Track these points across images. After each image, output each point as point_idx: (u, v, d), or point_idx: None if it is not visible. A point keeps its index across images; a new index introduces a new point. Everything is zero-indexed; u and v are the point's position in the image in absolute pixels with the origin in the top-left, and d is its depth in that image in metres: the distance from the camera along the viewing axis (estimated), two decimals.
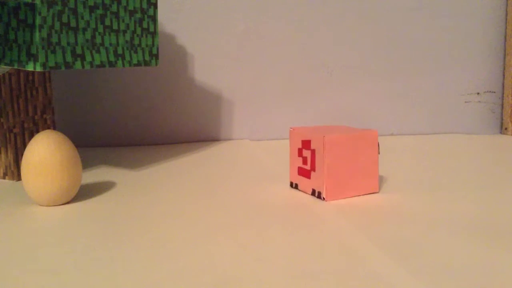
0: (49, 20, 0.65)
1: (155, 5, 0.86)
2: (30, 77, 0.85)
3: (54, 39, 0.66)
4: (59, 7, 0.67)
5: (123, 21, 0.80)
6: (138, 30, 0.83)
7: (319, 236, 0.55)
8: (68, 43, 0.69)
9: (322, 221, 0.60)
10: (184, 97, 1.18)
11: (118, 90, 1.16)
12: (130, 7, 0.81)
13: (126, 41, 0.80)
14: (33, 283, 0.45)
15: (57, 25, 0.67)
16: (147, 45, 0.85)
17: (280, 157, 0.99)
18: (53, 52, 0.66)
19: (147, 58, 0.85)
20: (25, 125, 0.84)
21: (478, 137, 1.19)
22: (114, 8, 0.78)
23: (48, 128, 0.89)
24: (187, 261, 0.49)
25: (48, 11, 0.65)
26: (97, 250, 0.52)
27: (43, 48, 0.64)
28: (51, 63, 0.66)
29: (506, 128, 1.23)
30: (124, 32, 0.80)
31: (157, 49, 0.87)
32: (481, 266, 0.47)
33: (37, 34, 0.63)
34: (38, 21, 0.63)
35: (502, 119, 1.25)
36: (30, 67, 0.64)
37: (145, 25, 0.84)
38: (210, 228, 0.59)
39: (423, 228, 0.57)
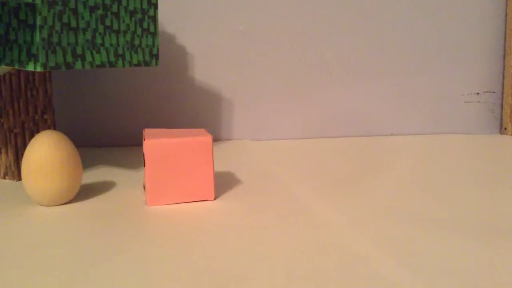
0: (50, 21, 0.65)
1: (156, 6, 0.86)
2: (31, 77, 0.85)
3: (55, 39, 0.66)
4: (59, 7, 0.67)
5: (123, 21, 0.80)
6: (139, 31, 0.83)
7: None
8: (69, 43, 0.69)
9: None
10: (184, 97, 1.18)
11: (118, 90, 1.16)
12: (131, 8, 0.81)
13: (127, 42, 0.80)
14: (33, 283, 0.45)
15: (57, 26, 0.67)
16: (147, 46, 0.85)
17: (279, 158, 0.99)
18: (54, 52, 0.66)
19: (147, 58, 0.86)
20: (26, 125, 0.84)
21: (478, 137, 1.19)
22: (114, 8, 0.78)
23: (49, 128, 0.89)
24: (187, 261, 0.49)
25: (48, 11, 0.65)
26: (97, 250, 0.52)
27: (43, 48, 0.64)
28: (52, 63, 0.66)
29: (505, 128, 1.23)
30: (125, 32, 0.80)
31: (158, 49, 0.88)
32: (481, 267, 0.47)
33: (37, 34, 0.63)
34: (38, 21, 0.63)
35: (501, 119, 1.25)
36: (30, 67, 0.64)
37: (145, 26, 0.84)
38: (210, 227, 0.59)
39: (415, 228, 0.57)
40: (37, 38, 0.63)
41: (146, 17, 0.84)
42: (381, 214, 0.62)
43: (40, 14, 0.63)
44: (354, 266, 0.47)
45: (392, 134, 1.24)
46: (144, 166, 0.67)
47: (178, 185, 0.68)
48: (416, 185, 0.76)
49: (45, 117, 0.88)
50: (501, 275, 0.45)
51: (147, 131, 0.73)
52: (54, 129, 0.90)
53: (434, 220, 0.60)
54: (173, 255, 0.51)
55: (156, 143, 0.66)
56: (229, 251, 0.51)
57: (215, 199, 0.71)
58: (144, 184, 0.73)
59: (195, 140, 0.68)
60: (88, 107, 1.16)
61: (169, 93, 1.17)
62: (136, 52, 0.83)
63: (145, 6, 0.84)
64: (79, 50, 0.71)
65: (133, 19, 0.82)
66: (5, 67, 0.70)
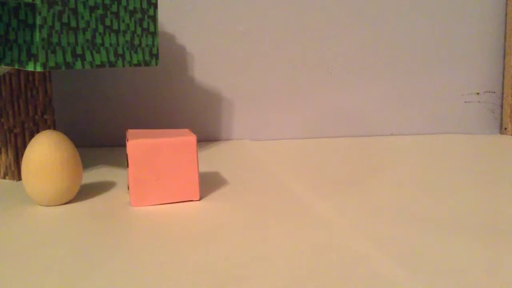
0: (49, 20, 0.65)
1: (155, 5, 0.86)
2: (30, 77, 0.85)
3: (55, 39, 0.66)
4: (59, 7, 0.67)
5: (123, 21, 0.80)
6: (138, 30, 0.83)
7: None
8: (68, 43, 0.69)
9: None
10: (184, 97, 1.18)
11: (118, 90, 1.16)
12: (130, 7, 0.81)
13: (126, 41, 0.80)
14: (32, 283, 0.45)
15: (57, 25, 0.67)
16: (147, 45, 0.85)
17: (279, 158, 0.99)
18: (54, 52, 0.66)
19: (147, 58, 0.86)
20: (26, 125, 0.84)
21: (478, 137, 1.19)
22: (114, 8, 0.78)
23: (49, 128, 0.89)
24: (187, 261, 0.49)
25: (48, 11, 0.65)
26: (97, 249, 0.52)
27: (43, 48, 0.64)
28: (52, 63, 0.66)
29: (505, 128, 1.23)
30: (124, 32, 0.80)
31: (157, 49, 0.88)
32: (481, 267, 0.47)
33: (37, 34, 0.63)
34: (38, 21, 0.63)
35: (501, 119, 1.25)
36: (30, 67, 0.64)
37: (145, 25, 0.84)
38: (210, 227, 0.59)
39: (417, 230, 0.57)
40: (37, 38, 0.63)
41: (146, 16, 0.84)
42: (381, 214, 0.62)
43: (40, 14, 0.63)
44: (354, 266, 0.47)
45: (392, 134, 1.24)
46: (128, 167, 0.67)
47: (163, 185, 0.68)
48: (416, 185, 0.76)
49: (45, 117, 0.88)
50: (501, 275, 0.45)
51: (130, 132, 0.72)
52: (54, 129, 0.90)
53: (434, 220, 0.60)
54: (168, 255, 0.51)
55: (139, 144, 0.66)
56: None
57: (200, 199, 0.70)
58: (128, 185, 0.73)
59: (179, 140, 0.67)
60: (88, 107, 1.16)
61: (169, 93, 1.18)
62: (136, 52, 0.83)
63: (144, 5, 0.84)
64: (79, 50, 0.71)
65: (132, 18, 0.82)
66: (5, 67, 0.70)
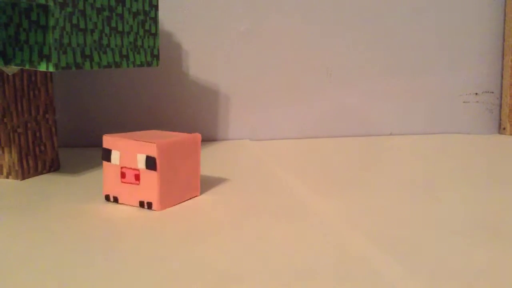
0: (61, 22, 0.66)
1: (156, 7, 0.87)
2: (33, 78, 0.85)
3: (65, 40, 0.67)
4: (70, 9, 0.68)
5: (127, 22, 0.81)
6: (141, 32, 0.84)
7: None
8: (78, 44, 0.69)
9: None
10: (184, 98, 1.19)
11: (118, 90, 1.17)
12: (134, 9, 0.82)
13: (130, 42, 0.81)
14: (31, 283, 0.45)
15: (68, 27, 0.67)
16: (148, 46, 0.86)
17: (279, 157, 1.00)
18: (65, 52, 0.67)
19: (149, 59, 0.86)
20: (28, 125, 0.84)
21: (476, 137, 1.19)
22: (119, 10, 0.79)
23: (50, 128, 0.89)
24: (187, 258, 0.50)
25: (60, 12, 0.66)
26: (97, 248, 0.53)
27: (55, 49, 0.65)
28: (63, 64, 0.67)
29: (504, 128, 1.24)
30: (128, 33, 0.81)
31: (158, 50, 0.88)
32: (481, 267, 0.48)
33: (50, 35, 0.64)
34: (51, 22, 0.64)
35: (500, 119, 1.26)
36: (42, 68, 0.65)
37: (147, 27, 0.85)
38: (210, 227, 0.60)
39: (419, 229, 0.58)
40: (50, 38, 0.64)
41: (147, 18, 0.85)
42: (380, 214, 0.63)
43: (52, 15, 0.64)
44: (354, 265, 0.48)
45: (391, 134, 1.25)
46: (152, 170, 0.64)
47: (178, 185, 0.67)
48: (415, 185, 0.77)
49: (47, 116, 0.88)
50: (501, 275, 0.45)
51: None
52: (55, 129, 0.91)
53: (433, 220, 0.60)
54: (168, 254, 0.51)
55: (164, 144, 0.64)
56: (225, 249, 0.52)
57: (200, 195, 0.71)
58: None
59: (187, 138, 0.67)
60: (88, 107, 1.16)
61: (170, 93, 1.18)
62: (138, 53, 0.84)
63: (146, 7, 0.85)
64: (87, 51, 0.72)
65: (136, 20, 0.83)
66: (15, 67, 0.71)
